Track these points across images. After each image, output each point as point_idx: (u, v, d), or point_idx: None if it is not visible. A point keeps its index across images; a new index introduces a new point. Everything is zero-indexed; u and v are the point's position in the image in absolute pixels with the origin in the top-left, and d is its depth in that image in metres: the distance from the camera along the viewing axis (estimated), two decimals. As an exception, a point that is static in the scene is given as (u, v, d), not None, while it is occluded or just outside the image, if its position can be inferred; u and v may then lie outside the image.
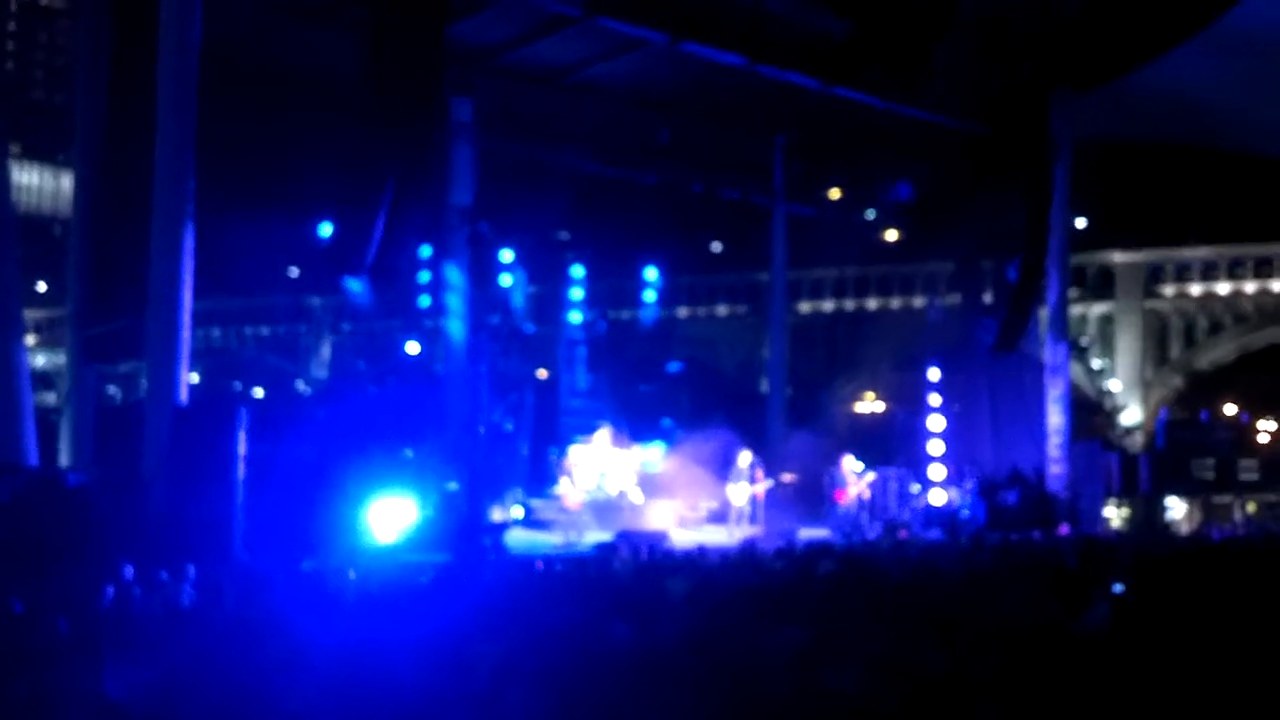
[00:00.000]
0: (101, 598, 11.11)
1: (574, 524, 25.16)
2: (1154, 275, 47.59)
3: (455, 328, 26.25)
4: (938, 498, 28.99)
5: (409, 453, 22.67)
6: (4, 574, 13.10)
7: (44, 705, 6.05)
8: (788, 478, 29.72)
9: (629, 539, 21.37)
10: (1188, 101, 29.49)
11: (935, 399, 30.09)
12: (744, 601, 10.03)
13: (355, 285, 20.46)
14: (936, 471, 29.44)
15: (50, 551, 14.81)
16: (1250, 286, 46.53)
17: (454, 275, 26.30)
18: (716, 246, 45.90)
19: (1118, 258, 47.56)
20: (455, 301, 26.29)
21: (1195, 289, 47.14)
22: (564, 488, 26.67)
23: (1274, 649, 7.22)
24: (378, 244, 19.65)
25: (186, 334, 18.31)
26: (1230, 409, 44.12)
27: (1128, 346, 47.48)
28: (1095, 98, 30.03)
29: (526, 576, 13.36)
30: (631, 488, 26.83)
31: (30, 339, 27.19)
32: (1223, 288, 46.81)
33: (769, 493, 27.99)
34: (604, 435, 27.27)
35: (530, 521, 25.68)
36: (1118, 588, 10.88)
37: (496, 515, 24.14)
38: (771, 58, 25.91)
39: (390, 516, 20.40)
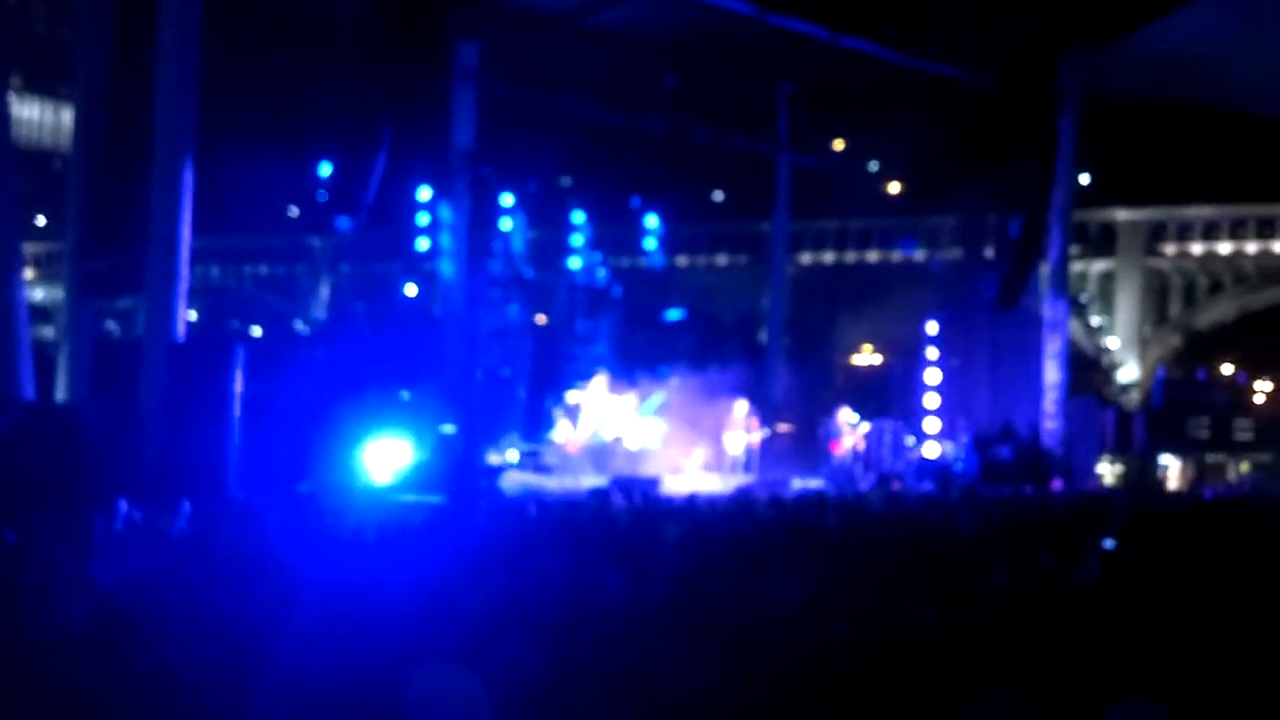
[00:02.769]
0: (96, 531, 11.17)
1: (570, 469, 25.25)
2: (1156, 233, 47.53)
3: (453, 271, 26.22)
4: (932, 450, 29.05)
5: (405, 395, 22.71)
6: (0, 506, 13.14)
7: (39, 637, 6.10)
8: (783, 428, 29.80)
9: (623, 485, 21.45)
10: (1196, 60, 29.30)
11: (933, 352, 30.08)
12: (735, 550, 10.08)
13: (344, 223, 20.44)
14: (932, 424, 29.49)
15: (46, 485, 14.85)
16: (1252, 247, 46.47)
17: (454, 219, 26.24)
18: (718, 195, 45.82)
19: (1120, 215, 47.48)
20: (454, 245, 26.25)
21: (1197, 248, 47.10)
22: (561, 433, 26.76)
23: (1260, 603, 7.28)
24: (377, 185, 19.61)
25: (185, 271, 18.29)
26: (1228, 369, 44.20)
27: (1127, 304, 47.50)
28: (1103, 54, 29.84)
29: (519, 520, 13.42)
30: (627, 434, 26.92)
31: (29, 273, 27.16)
32: (1224, 247, 46.76)
33: (764, 442, 28.09)
34: (601, 382, 27.33)
35: (526, 466, 25.78)
36: (1108, 543, 10.93)
37: (493, 459, 24.22)
38: (781, 5, 25.75)
39: (386, 457, 20.47)
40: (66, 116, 31.56)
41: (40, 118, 42.25)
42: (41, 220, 41.39)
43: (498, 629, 6.00)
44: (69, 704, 5.30)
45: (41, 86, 41.14)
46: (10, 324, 18.99)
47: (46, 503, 12.54)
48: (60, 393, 19.55)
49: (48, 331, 32.29)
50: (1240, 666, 6.08)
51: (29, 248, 30.62)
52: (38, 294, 38.52)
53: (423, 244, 27.06)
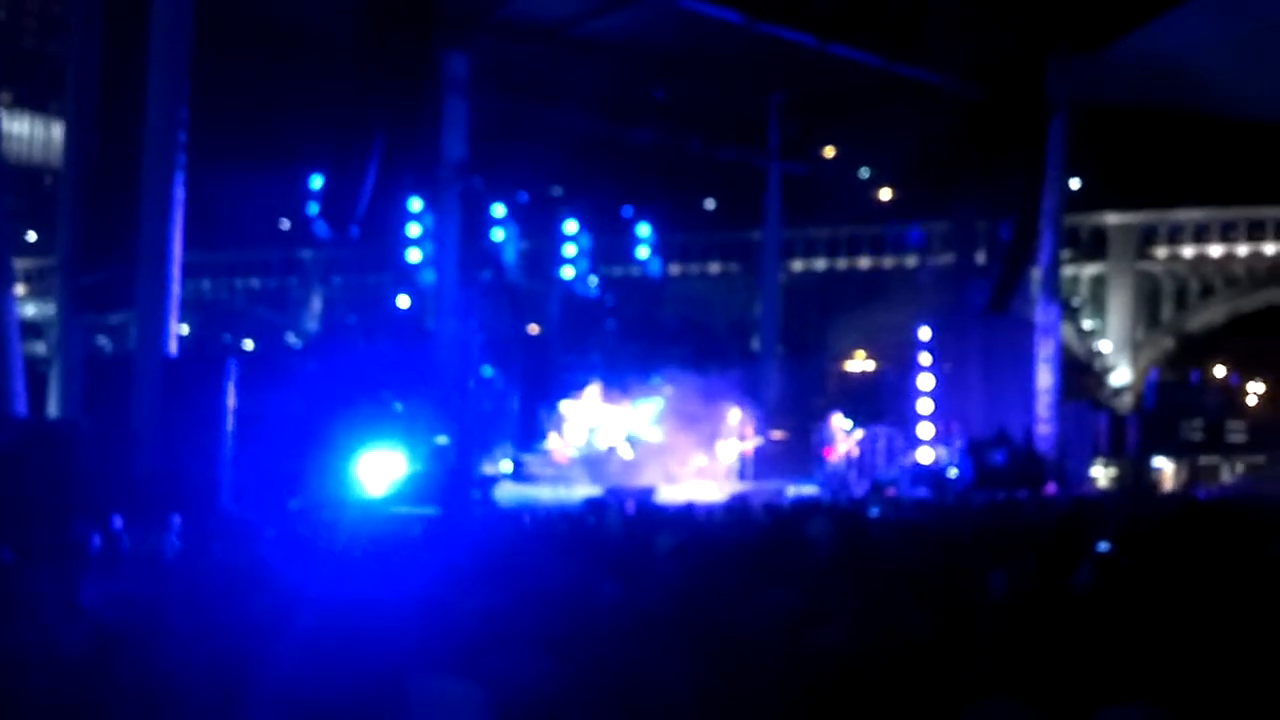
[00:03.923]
0: (89, 547, 11.14)
1: (563, 479, 25.24)
2: (1147, 237, 47.67)
3: (446, 283, 26.20)
4: (926, 456, 29.05)
5: (398, 406, 22.70)
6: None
7: (32, 651, 6.08)
8: (777, 435, 29.79)
9: (617, 494, 21.44)
10: (1184, 65, 29.39)
11: (926, 358, 30.09)
12: (730, 558, 10.07)
13: (335, 235, 20.43)
14: (925, 430, 29.49)
15: (39, 502, 14.82)
16: (1242, 249, 46.63)
17: (446, 230, 26.22)
18: (710, 204, 45.89)
19: (1111, 219, 47.60)
20: (446, 256, 26.23)
21: (1187, 251, 47.25)
22: (554, 443, 26.75)
23: (1255, 604, 7.28)
24: (368, 197, 19.60)
25: (176, 285, 18.30)
26: (1220, 371, 44.26)
27: (1119, 308, 47.63)
28: (1092, 60, 29.91)
29: (514, 530, 13.40)
30: (621, 442, 26.92)
31: (20, 289, 27.11)
32: (1215, 250, 46.91)
33: (758, 449, 28.09)
34: (594, 391, 27.33)
35: (520, 476, 25.76)
36: (1103, 547, 10.91)
37: (486, 469, 24.21)
38: (770, 15, 25.77)
39: (379, 469, 20.45)
40: (57, 132, 31.56)
41: (31, 133, 42.28)
42: (32, 236, 41.35)
43: (493, 641, 5.99)
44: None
45: (32, 102, 41.18)
46: (2, 340, 18.96)
47: (40, 519, 12.51)
48: (52, 409, 19.51)
49: (39, 347, 32.19)
50: (1236, 668, 6.08)
51: (20, 264, 30.58)
52: (29, 310, 38.44)
53: (414, 255, 27.01)
